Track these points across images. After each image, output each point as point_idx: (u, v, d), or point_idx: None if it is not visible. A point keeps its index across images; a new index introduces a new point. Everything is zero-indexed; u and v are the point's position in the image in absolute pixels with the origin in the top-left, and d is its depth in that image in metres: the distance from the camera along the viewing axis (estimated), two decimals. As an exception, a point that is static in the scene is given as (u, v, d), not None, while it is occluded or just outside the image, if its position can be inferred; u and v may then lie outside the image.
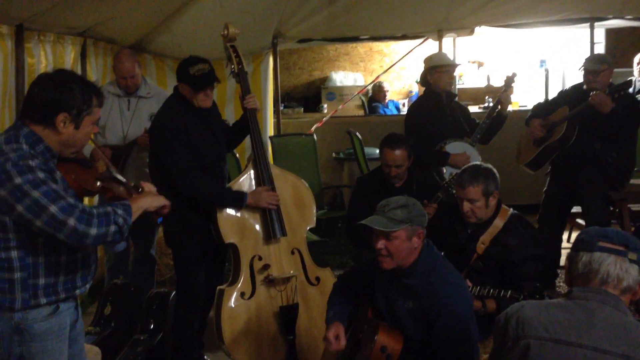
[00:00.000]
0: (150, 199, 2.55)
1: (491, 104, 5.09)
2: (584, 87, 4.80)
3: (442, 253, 3.73)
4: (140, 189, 2.63)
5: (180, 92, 3.81)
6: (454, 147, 4.73)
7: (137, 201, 2.50)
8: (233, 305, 3.81)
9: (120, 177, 2.63)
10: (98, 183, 2.56)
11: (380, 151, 4.30)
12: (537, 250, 3.49)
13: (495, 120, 4.87)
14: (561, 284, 5.06)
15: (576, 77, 5.02)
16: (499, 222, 3.52)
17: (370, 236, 2.94)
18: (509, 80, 4.93)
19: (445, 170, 4.67)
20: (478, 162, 3.76)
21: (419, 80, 5.43)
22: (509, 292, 3.26)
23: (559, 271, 5.17)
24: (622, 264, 2.09)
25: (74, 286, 2.51)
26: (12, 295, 2.38)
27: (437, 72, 4.87)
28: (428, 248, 2.96)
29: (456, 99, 5.13)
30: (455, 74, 5.33)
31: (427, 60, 5.00)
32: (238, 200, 3.82)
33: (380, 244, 2.85)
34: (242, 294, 3.82)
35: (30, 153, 2.32)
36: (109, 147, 4.58)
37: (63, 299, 2.48)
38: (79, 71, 5.04)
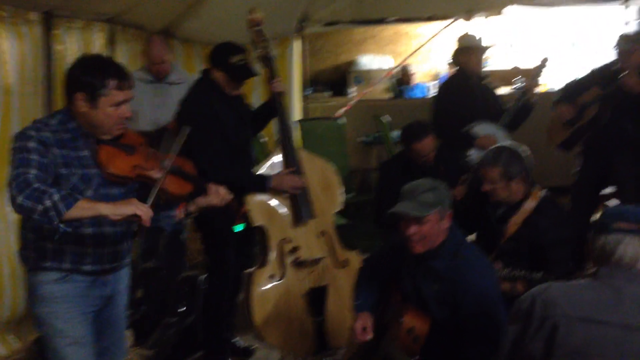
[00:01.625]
0: (112, 208, 2.38)
1: (521, 84, 5.03)
2: (616, 67, 4.70)
3: (474, 234, 3.73)
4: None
5: (210, 77, 3.81)
6: (482, 129, 4.69)
7: (95, 203, 2.41)
8: (263, 288, 3.83)
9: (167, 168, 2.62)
10: (135, 170, 2.58)
11: (407, 147, 4.27)
12: (569, 232, 3.44)
13: (523, 108, 4.81)
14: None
15: (607, 57, 4.92)
16: (530, 204, 3.47)
17: (398, 221, 2.93)
18: (541, 65, 4.85)
19: (471, 152, 4.63)
20: (508, 143, 3.70)
21: (449, 61, 5.38)
22: (540, 274, 3.23)
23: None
24: (638, 243, 2.07)
25: (82, 261, 2.57)
26: (27, 252, 2.59)
27: (468, 52, 4.83)
28: (453, 230, 2.94)
29: (486, 80, 5.08)
30: (486, 54, 5.27)
31: (460, 40, 4.96)
32: (260, 184, 3.83)
33: (413, 230, 2.83)
34: (271, 277, 3.85)
35: (55, 128, 2.48)
36: (141, 133, 4.61)
37: (69, 269, 2.55)
38: (107, 58, 5.07)
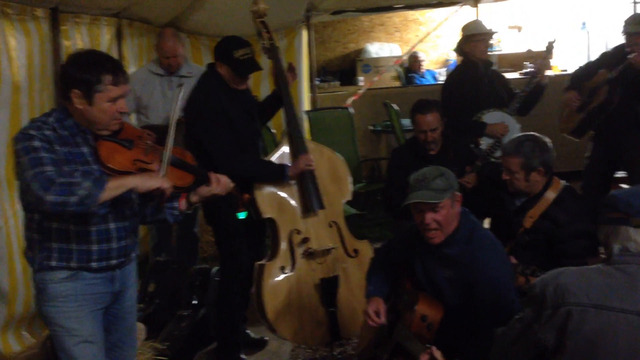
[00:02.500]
0: (140, 180, 2.47)
1: (532, 68, 4.97)
2: (627, 49, 4.66)
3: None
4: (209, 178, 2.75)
5: (216, 71, 3.81)
6: (492, 117, 4.66)
7: (122, 178, 2.46)
8: (274, 280, 3.84)
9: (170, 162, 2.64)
10: (136, 164, 2.58)
11: (412, 119, 4.28)
12: (586, 225, 3.34)
13: (534, 90, 4.76)
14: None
15: (619, 38, 4.88)
16: (550, 195, 3.41)
17: (409, 211, 2.92)
18: (549, 47, 4.81)
19: (482, 141, 4.60)
20: (532, 133, 3.57)
21: (455, 49, 5.34)
22: None
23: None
24: (625, 232, 2.06)
25: (89, 258, 2.57)
26: (33, 253, 2.58)
27: (472, 41, 4.79)
28: (465, 215, 2.95)
29: (493, 66, 5.04)
30: (492, 40, 5.21)
31: (463, 29, 4.92)
32: (279, 172, 3.83)
33: (429, 218, 2.83)
34: (282, 268, 3.85)
35: (53, 126, 2.48)
36: (152, 127, 4.61)
37: (77, 267, 2.56)
38: (115, 52, 5.08)
